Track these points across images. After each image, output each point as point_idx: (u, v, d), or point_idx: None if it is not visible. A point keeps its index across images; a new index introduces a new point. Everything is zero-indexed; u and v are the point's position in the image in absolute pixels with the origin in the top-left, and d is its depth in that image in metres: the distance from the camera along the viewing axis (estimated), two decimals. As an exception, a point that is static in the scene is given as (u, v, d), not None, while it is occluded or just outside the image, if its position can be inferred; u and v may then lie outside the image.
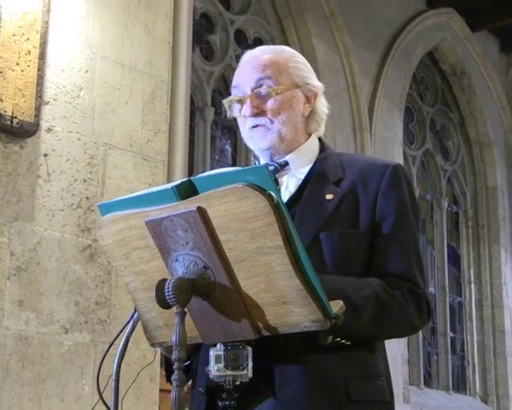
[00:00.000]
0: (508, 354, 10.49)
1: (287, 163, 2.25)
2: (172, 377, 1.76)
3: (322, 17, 8.97)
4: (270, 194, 1.75)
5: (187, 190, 1.82)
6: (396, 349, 8.71)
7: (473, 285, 10.71)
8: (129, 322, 2.09)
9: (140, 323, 2.04)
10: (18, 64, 3.85)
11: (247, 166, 1.99)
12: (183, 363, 1.78)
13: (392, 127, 9.60)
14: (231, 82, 2.34)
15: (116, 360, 2.08)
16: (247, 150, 7.98)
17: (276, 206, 1.75)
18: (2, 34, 3.82)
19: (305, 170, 2.24)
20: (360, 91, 9.16)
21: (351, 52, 9.11)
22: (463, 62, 10.84)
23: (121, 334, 2.11)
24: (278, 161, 2.25)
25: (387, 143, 9.45)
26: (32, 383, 3.77)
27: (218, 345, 1.90)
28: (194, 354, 2.15)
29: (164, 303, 1.79)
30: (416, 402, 9.32)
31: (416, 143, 10.59)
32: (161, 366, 3.92)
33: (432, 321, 10.16)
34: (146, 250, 1.90)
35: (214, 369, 1.89)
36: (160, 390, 4.18)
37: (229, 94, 2.32)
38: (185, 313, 1.80)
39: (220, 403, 1.91)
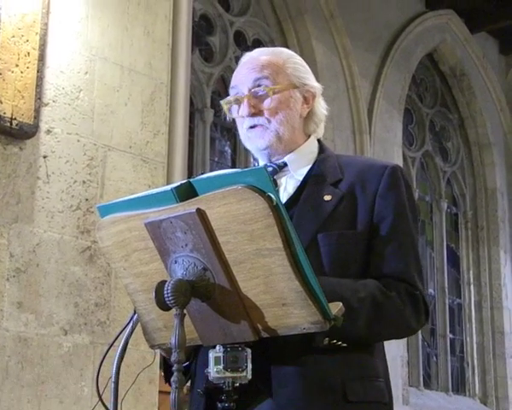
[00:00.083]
0: (507, 355, 10.49)
1: (285, 164, 2.25)
2: (172, 379, 1.77)
3: (321, 19, 8.97)
4: (269, 196, 1.75)
5: (186, 192, 1.82)
6: (395, 351, 8.70)
7: (472, 287, 10.70)
8: (128, 324, 2.09)
9: (139, 324, 2.04)
10: (17, 66, 3.85)
11: (246, 167, 1.99)
12: (183, 365, 1.78)
13: (392, 129, 9.60)
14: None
15: (115, 362, 2.08)
16: (247, 152, 7.98)
17: (275, 208, 1.75)
18: (1, 36, 3.82)
19: (304, 171, 2.24)
20: (359, 93, 9.16)
21: (350, 54, 9.11)
22: (463, 64, 10.84)
23: (120, 336, 2.11)
24: (277, 162, 2.25)
25: (387, 145, 9.45)
26: (31, 384, 3.77)
27: (218, 347, 1.90)
28: (194, 355, 2.15)
29: (163, 305, 1.80)
30: (415, 404, 9.32)
31: (416, 145, 10.59)
32: (160, 367, 3.92)
33: (431, 323, 10.17)
34: (145, 252, 1.90)
35: (213, 371, 1.89)
36: (160, 392, 4.18)
37: (228, 95, 2.32)
38: (184, 314, 1.80)
39: (219, 405, 1.91)
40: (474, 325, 10.58)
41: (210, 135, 8.33)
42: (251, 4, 8.85)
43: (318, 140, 2.34)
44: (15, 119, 3.80)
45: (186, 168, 4.66)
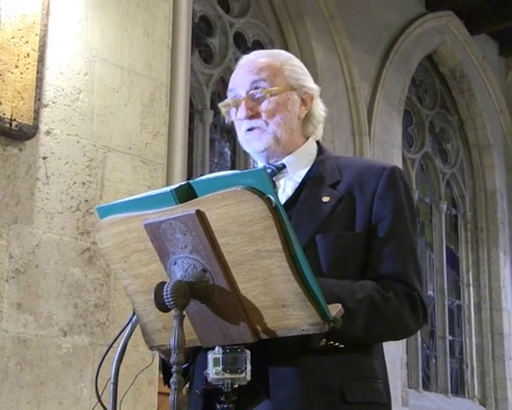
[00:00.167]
0: (506, 357, 10.48)
1: (284, 166, 2.25)
2: (171, 380, 1.77)
3: (321, 20, 8.98)
4: (268, 197, 1.75)
5: (186, 194, 1.83)
6: (394, 352, 8.70)
7: (471, 288, 10.70)
8: (127, 325, 2.09)
9: (139, 326, 2.04)
10: (17, 67, 3.85)
11: (246, 169, 1.99)
12: (182, 366, 1.79)
13: (391, 130, 9.60)
14: (230, 85, 2.35)
15: (114, 363, 2.08)
16: (246, 153, 7.92)
17: (274, 209, 1.75)
18: (1, 37, 3.82)
19: (303, 173, 2.24)
20: (359, 95, 9.17)
21: (350, 55, 9.12)
22: (462, 66, 10.84)
23: (120, 337, 2.11)
24: (275, 163, 2.26)
25: (386, 147, 9.45)
26: (30, 385, 3.77)
27: (217, 348, 1.90)
28: (192, 357, 2.16)
29: (162, 306, 1.80)
30: (414, 405, 9.31)
31: (415, 147, 10.59)
32: (159, 369, 3.92)
33: (430, 324, 10.17)
34: (145, 253, 1.90)
35: (212, 372, 1.89)
36: (159, 393, 4.18)
37: (226, 98, 2.33)
38: (184, 316, 1.80)
39: (218, 406, 1.91)
40: (473, 327, 10.58)
41: (209, 136, 8.33)
42: (251, 6, 8.85)
43: (317, 142, 2.34)
44: (15, 120, 3.80)
45: (185, 169, 4.66)
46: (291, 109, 2.25)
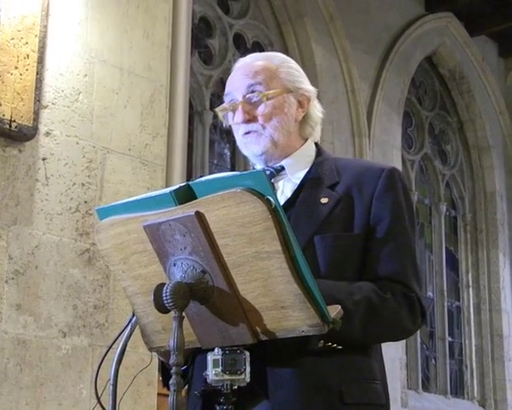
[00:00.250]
0: (506, 358, 10.48)
1: (282, 168, 2.25)
2: (170, 382, 1.77)
3: (321, 21, 8.98)
4: (268, 199, 1.75)
5: (185, 195, 1.83)
6: (394, 353, 8.70)
7: (471, 290, 10.70)
8: (127, 326, 2.09)
9: (138, 327, 2.04)
10: (16, 68, 3.85)
11: (245, 170, 1.99)
12: (181, 367, 1.79)
13: (391, 132, 9.60)
14: (229, 86, 2.35)
15: (114, 364, 2.08)
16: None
17: (274, 211, 1.75)
18: (0, 38, 3.82)
19: (301, 174, 2.24)
20: (359, 96, 9.17)
21: (350, 56, 9.12)
22: (462, 67, 10.85)
23: (119, 338, 2.11)
24: (274, 166, 2.26)
25: (386, 148, 9.45)
26: (29, 386, 3.77)
27: (216, 349, 1.90)
28: (191, 359, 2.16)
29: (162, 308, 1.80)
30: (413, 406, 9.31)
31: (415, 148, 10.59)
32: (159, 371, 3.92)
33: (430, 325, 10.17)
34: (144, 255, 1.90)
35: (212, 373, 1.89)
36: (159, 394, 4.18)
37: (223, 102, 2.33)
38: (183, 317, 1.80)
39: (218, 407, 1.91)
40: (472, 328, 10.58)
41: (209, 137, 8.33)
42: (250, 7, 8.85)
43: (316, 143, 2.34)
44: (14, 121, 3.80)
45: (185, 171, 4.66)
46: (288, 112, 2.25)
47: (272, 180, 2.22)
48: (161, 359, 2.16)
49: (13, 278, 3.77)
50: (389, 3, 9.69)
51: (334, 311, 1.83)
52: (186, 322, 1.85)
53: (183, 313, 1.80)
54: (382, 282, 2.09)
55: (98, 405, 2.09)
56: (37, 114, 3.90)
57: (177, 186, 1.85)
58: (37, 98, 3.91)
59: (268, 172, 2.22)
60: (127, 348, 2.11)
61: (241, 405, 1.95)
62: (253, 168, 2.33)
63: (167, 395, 1.79)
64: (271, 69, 2.26)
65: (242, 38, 8.83)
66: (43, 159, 3.96)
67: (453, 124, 11.13)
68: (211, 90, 8.39)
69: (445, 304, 10.41)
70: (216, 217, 1.78)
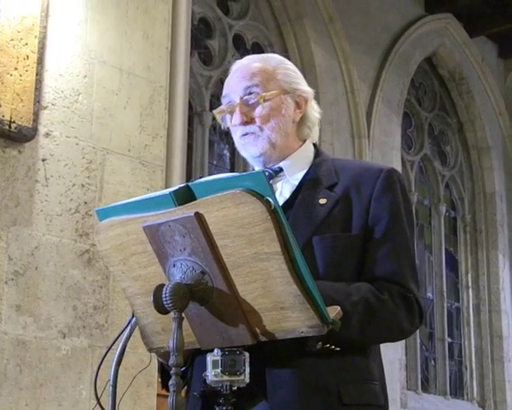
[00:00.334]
0: (505, 359, 10.49)
1: (281, 169, 2.25)
2: (170, 382, 1.77)
3: (320, 23, 8.98)
4: (267, 200, 1.75)
5: (184, 196, 1.83)
6: (393, 354, 8.70)
7: (470, 290, 10.70)
8: (126, 327, 2.09)
9: (138, 328, 2.04)
10: (16, 69, 3.85)
11: (245, 171, 1.99)
12: (181, 368, 1.79)
13: (391, 133, 9.60)
14: (228, 87, 2.35)
15: (113, 365, 2.08)
16: (246, 155, 7.96)
17: (273, 211, 1.75)
18: (0, 39, 3.82)
19: (300, 176, 2.24)
20: (358, 97, 9.17)
21: (349, 58, 9.12)
22: (462, 68, 10.85)
23: (119, 339, 2.11)
24: (272, 167, 2.26)
25: (385, 149, 9.46)
26: (29, 387, 3.77)
27: (216, 350, 1.90)
28: (191, 359, 2.16)
29: (161, 309, 1.80)
30: (413, 407, 9.32)
31: (414, 149, 10.59)
32: (158, 371, 3.92)
33: (429, 326, 10.18)
34: (144, 256, 1.91)
35: (211, 374, 1.89)
36: (158, 395, 4.18)
37: (221, 104, 2.33)
38: (183, 318, 1.80)
39: (217, 408, 1.91)
40: (472, 329, 10.58)
41: (209, 138, 8.34)
42: (250, 8, 8.86)
43: (314, 144, 2.34)
44: (14, 122, 3.80)
45: (185, 172, 4.66)
46: (285, 113, 2.25)
47: (271, 181, 2.22)
48: (161, 360, 2.16)
49: (12, 279, 3.77)
50: (389, 4, 9.70)
51: (334, 312, 1.83)
52: (185, 323, 1.85)
53: (183, 314, 1.80)
54: (379, 283, 2.09)
55: (98, 406, 2.09)
56: (36, 114, 3.90)
57: (176, 187, 1.85)
58: (37, 99, 3.91)
59: (266, 174, 2.21)
60: (127, 349, 2.11)
61: (241, 406, 1.94)
62: (253, 169, 2.34)
63: (167, 396, 1.79)
64: (268, 71, 2.27)
65: (242, 39, 8.83)
66: (43, 160, 3.96)
67: (453, 125, 11.13)
68: (210, 91, 8.39)
69: (445, 305, 10.42)
70: (215, 218, 1.78)
